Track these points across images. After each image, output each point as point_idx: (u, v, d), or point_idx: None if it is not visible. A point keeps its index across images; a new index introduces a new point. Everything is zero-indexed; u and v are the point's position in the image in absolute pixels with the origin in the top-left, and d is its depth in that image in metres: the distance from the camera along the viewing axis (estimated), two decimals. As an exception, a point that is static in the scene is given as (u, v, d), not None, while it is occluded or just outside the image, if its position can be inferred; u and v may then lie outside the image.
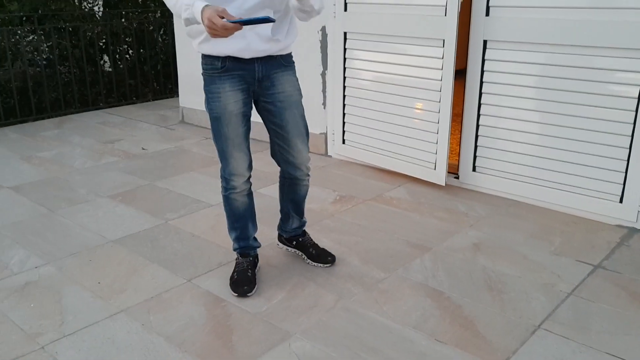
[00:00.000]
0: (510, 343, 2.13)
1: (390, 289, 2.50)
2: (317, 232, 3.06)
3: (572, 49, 3.06)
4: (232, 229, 2.56)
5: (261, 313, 2.34)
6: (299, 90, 2.42)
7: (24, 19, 6.13)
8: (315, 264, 2.69)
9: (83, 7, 6.84)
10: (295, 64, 2.44)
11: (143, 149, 4.71)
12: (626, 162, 3.01)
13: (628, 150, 2.99)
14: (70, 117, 5.89)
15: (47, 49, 6.16)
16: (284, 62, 2.35)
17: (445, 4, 3.35)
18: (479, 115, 3.51)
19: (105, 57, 6.70)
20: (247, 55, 2.22)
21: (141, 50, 6.89)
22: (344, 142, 4.19)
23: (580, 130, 3.13)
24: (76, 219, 3.31)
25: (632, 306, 2.36)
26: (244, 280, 2.48)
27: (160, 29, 6.99)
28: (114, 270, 2.71)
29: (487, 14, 3.31)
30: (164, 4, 7.00)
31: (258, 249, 2.66)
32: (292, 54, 2.40)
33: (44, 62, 6.01)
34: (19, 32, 5.84)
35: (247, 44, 2.19)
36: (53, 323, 2.29)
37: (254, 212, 2.58)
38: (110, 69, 6.62)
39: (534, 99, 3.27)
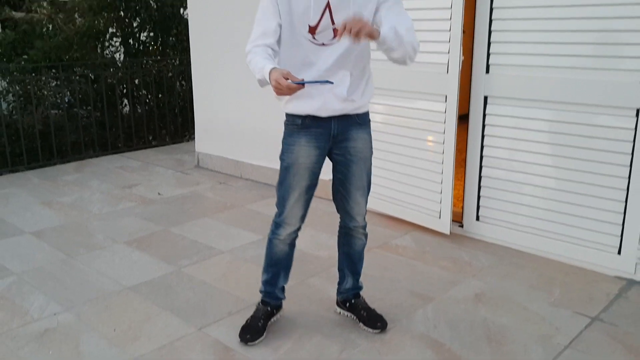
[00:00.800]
0: (506, 396, 2.21)
1: (393, 340, 2.60)
2: (325, 281, 3.17)
3: (568, 106, 3.20)
4: (265, 271, 2.67)
5: (268, 363, 2.45)
6: (371, 148, 2.54)
7: (50, 67, 6.41)
8: (365, 327, 2.67)
9: (105, 55, 7.14)
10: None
11: (159, 194, 4.88)
12: (623, 215, 3.11)
13: (624, 203, 3.09)
14: (90, 161, 6.11)
15: (68, 93, 6.43)
16: (359, 120, 2.48)
17: (447, 62, 3.52)
18: (481, 166, 3.64)
19: (125, 101, 6.97)
20: (324, 113, 2.39)
21: (159, 96, 7.14)
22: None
23: (578, 184, 3.25)
24: (94, 264, 3.46)
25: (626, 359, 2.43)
26: (251, 328, 2.60)
27: (179, 75, 7.26)
28: (129, 317, 2.83)
29: (487, 71, 3.47)
30: (183, 52, 7.29)
31: (281, 301, 2.75)
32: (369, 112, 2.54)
33: (66, 105, 6.28)
34: (43, 78, 6.12)
35: (324, 103, 2.36)
36: (71, 370, 2.41)
37: (290, 264, 2.68)
38: (129, 113, 6.86)
39: (534, 152, 3.39)
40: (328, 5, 2.27)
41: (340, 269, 2.78)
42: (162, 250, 3.66)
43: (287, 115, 2.47)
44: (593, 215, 3.22)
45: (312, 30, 2.30)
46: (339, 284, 2.80)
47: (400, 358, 2.46)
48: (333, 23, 2.28)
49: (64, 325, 2.78)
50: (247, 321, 2.65)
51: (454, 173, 3.66)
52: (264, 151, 5.08)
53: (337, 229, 2.71)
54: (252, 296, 3.02)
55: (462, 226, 3.83)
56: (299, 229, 2.58)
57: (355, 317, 2.74)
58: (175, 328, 2.73)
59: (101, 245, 3.76)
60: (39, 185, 5.21)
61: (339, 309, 2.83)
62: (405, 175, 3.94)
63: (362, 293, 2.81)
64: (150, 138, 6.92)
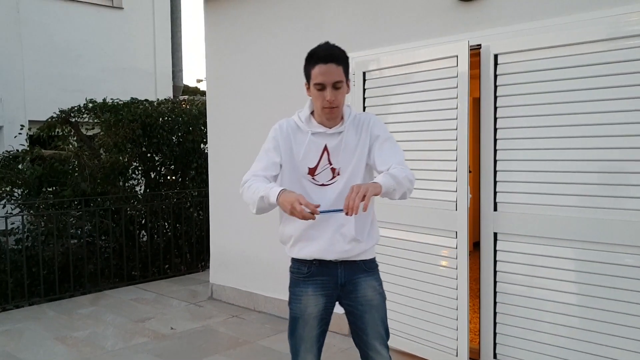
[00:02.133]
0: None
1: None
2: None
3: (579, 243, 3.24)
4: None
5: None
6: (382, 294, 2.51)
7: (72, 200, 6.67)
8: None
9: (126, 187, 7.42)
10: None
11: (172, 328, 4.86)
12: (643, 356, 3.03)
13: (644, 343, 3.03)
14: (106, 293, 6.14)
15: (89, 225, 6.62)
16: (366, 267, 2.48)
17: (455, 199, 3.63)
18: (495, 302, 3.61)
19: (143, 232, 7.13)
20: (330, 256, 2.41)
21: (177, 226, 7.31)
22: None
23: (596, 322, 3.19)
24: (103, 407, 3.39)
25: None
26: None
27: (197, 206, 7.47)
28: None
29: (495, 209, 3.56)
30: (201, 185, 7.55)
31: None
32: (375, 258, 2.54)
33: (86, 237, 6.44)
34: (67, 213, 6.34)
35: (330, 244, 2.38)
36: None
37: None
38: (147, 243, 7.00)
39: (548, 289, 3.37)
40: (326, 148, 2.41)
41: None
42: (172, 391, 3.59)
43: (293, 261, 2.51)
44: (608, 353, 3.14)
45: (312, 171, 2.41)
46: None
47: None
48: (330, 163, 2.40)
49: None
50: None
51: (469, 309, 3.64)
52: (277, 283, 5.09)
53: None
54: None
55: (479, 365, 3.73)
56: None
57: None
58: None
59: (111, 385, 3.70)
60: (54, 319, 5.22)
61: None
62: (420, 311, 3.91)
63: None
64: (166, 267, 6.99)
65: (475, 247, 3.69)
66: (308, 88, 2.43)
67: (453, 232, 3.67)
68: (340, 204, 2.36)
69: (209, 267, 6.10)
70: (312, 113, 2.48)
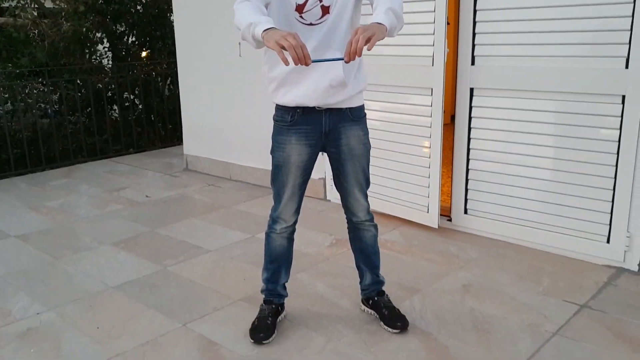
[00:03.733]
0: (493, 383, 2.18)
1: (379, 331, 2.57)
2: (312, 276, 3.14)
3: (555, 95, 3.19)
4: (265, 269, 2.62)
5: (252, 356, 2.41)
6: (366, 144, 2.45)
7: (37, 73, 6.38)
8: (385, 327, 2.57)
9: (92, 60, 7.11)
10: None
11: (147, 196, 4.85)
12: (611, 204, 3.09)
13: (612, 191, 3.08)
14: (79, 167, 6.07)
15: (56, 99, 6.40)
16: (353, 115, 2.39)
17: (432, 54, 3.51)
18: (468, 159, 3.62)
19: (114, 106, 6.94)
20: (314, 102, 2.28)
21: (148, 100, 7.12)
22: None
23: (565, 173, 3.23)
24: (79, 266, 3.42)
25: (615, 345, 2.40)
26: (262, 328, 2.53)
27: (166, 79, 7.24)
28: (113, 316, 2.79)
29: (473, 63, 3.46)
30: (170, 56, 7.26)
31: (285, 299, 2.70)
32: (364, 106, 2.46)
33: (54, 113, 6.24)
34: (29, 85, 6.09)
35: (315, 89, 2.25)
36: (51, 368, 2.37)
37: (290, 259, 2.63)
38: (118, 118, 6.84)
39: (521, 143, 3.37)
40: None
41: (357, 266, 2.71)
42: (148, 251, 3.62)
43: (277, 108, 2.41)
44: (581, 204, 3.20)
45: (300, 8, 2.23)
46: (360, 282, 2.73)
47: (386, 347, 2.43)
48: (320, 1, 2.22)
49: (47, 324, 2.73)
50: (253, 323, 2.57)
51: (441, 166, 3.64)
52: (252, 152, 5.05)
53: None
54: (238, 293, 2.99)
55: (450, 220, 3.80)
56: (295, 223, 2.55)
57: (377, 315, 2.66)
58: (159, 325, 2.69)
59: (87, 247, 3.72)
60: (26, 191, 5.16)
61: (362, 307, 2.76)
62: (393, 171, 3.91)
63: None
64: (139, 143, 6.89)
65: (452, 120, 3.62)
66: None
67: (428, 89, 3.58)
68: (327, 45, 2.23)
69: (183, 143, 6.01)
70: None
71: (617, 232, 3.09)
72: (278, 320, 2.63)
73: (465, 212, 3.71)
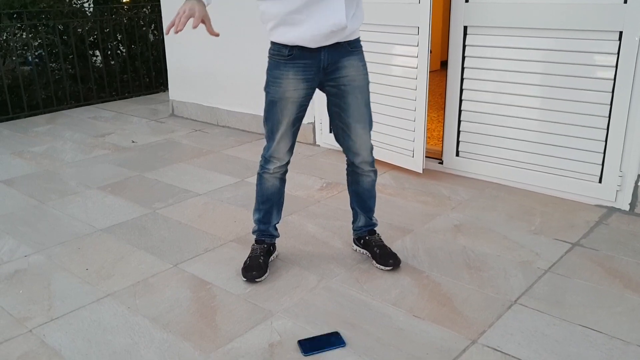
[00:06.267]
0: (486, 318, 2.18)
1: (371, 269, 2.56)
2: (303, 218, 3.11)
3: (550, 32, 3.11)
4: (257, 210, 2.58)
5: (245, 294, 2.40)
6: (365, 75, 2.38)
7: (14, 15, 6.15)
8: (377, 265, 2.57)
9: (73, 4, 6.86)
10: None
11: (133, 141, 4.76)
12: (604, 143, 3.07)
13: (606, 131, 3.05)
14: (63, 113, 5.94)
15: (37, 45, 6.19)
16: (351, 47, 2.32)
17: (422, -10, 3.40)
18: (461, 100, 3.56)
19: (97, 53, 6.74)
20: (314, 44, 2.22)
21: (132, 46, 6.92)
22: (330, 131, 4.23)
23: (559, 113, 3.19)
24: (66, 209, 3.36)
25: (606, 281, 2.42)
26: (254, 266, 2.51)
27: (150, 24, 7.02)
28: (102, 257, 2.76)
29: (467, 0, 3.36)
30: (153, 1, 7.03)
31: (276, 239, 2.68)
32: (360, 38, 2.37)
33: (35, 60, 6.05)
34: (8, 28, 5.88)
35: (317, 32, 2.18)
36: (41, 308, 2.34)
37: (282, 200, 2.59)
38: (101, 65, 6.66)
39: (514, 82, 3.32)
40: None
41: (352, 207, 2.68)
42: (136, 194, 3.57)
43: (273, 43, 2.31)
44: (575, 144, 3.18)
45: None
46: (353, 222, 2.71)
47: (379, 285, 2.43)
48: None
49: (35, 266, 2.69)
50: (245, 262, 2.55)
51: (427, 110, 3.57)
52: (240, 97, 4.95)
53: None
54: (229, 234, 2.97)
55: (442, 163, 3.77)
56: (287, 162, 2.49)
57: (368, 254, 2.65)
58: (149, 265, 2.67)
59: (74, 191, 3.65)
60: (9, 137, 5.05)
61: (354, 246, 2.75)
62: (381, 115, 3.83)
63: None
64: (124, 90, 6.73)
65: (443, 65, 3.52)
66: None
67: (415, 27, 3.48)
68: None
69: (169, 89, 5.88)
70: None
71: (610, 172, 3.08)
72: (270, 259, 2.62)
73: (457, 154, 3.68)
